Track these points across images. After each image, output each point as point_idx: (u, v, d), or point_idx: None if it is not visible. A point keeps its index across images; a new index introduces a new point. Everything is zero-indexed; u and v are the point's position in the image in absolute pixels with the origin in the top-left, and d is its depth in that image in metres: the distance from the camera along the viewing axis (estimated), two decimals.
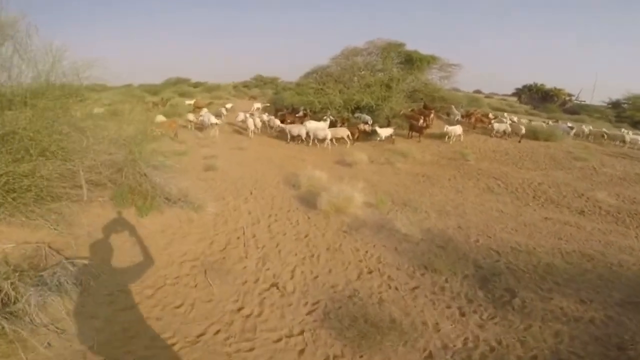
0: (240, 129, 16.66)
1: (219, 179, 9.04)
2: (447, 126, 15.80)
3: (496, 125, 16.85)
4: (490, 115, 19.02)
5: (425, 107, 18.20)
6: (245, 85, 40.24)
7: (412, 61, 18.09)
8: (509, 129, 16.65)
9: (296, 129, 14.43)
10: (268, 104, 22.55)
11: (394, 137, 15.34)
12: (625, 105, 32.41)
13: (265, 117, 16.95)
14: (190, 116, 16.70)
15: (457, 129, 15.83)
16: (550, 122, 21.08)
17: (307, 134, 14.35)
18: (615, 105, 33.64)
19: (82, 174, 5.52)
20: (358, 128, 14.96)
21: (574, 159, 13.54)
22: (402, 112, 17.02)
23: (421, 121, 16.05)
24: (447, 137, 15.66)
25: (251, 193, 8.27)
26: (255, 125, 15.65)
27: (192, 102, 22.74)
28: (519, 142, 15.97)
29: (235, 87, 39.03)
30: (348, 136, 14.31)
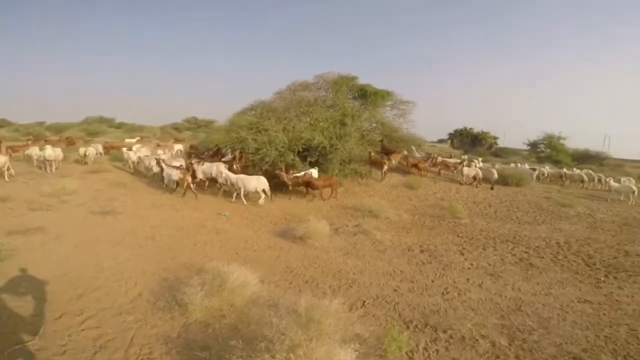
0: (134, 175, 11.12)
1: None
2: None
3: (466, 170, 13.55)
4: (451, 160, 15.76)
5: (383, 149, 14.48)
6: (176, 127, 34.05)
7: (365, 96, 14.62)
8: (480, 175, 13.43)
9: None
10: (192, 147, 17.22)
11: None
12: (542, 145, 31.70)
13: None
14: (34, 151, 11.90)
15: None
16: (513, 165, 18.54)
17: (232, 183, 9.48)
18: (533, 145, 32.78)
19: None
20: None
21: (560, 206, 10.89)
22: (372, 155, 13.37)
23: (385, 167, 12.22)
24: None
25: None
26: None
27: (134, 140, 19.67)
28: (492, 189, 12.88)
29: (162, 128, 32.74)
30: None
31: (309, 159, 11.82)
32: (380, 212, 8.89)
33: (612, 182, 13.03)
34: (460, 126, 38.49)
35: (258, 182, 9.51)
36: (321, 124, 12.22)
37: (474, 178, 13.42)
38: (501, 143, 37.80)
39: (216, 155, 12.07)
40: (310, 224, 6.67)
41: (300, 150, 11.58)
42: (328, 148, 11.62)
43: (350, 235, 7.18)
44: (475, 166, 14.57)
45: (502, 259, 6.30)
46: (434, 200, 11.20)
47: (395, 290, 4.78)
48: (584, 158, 28.18)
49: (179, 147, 17.75)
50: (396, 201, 10.77)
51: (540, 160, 26.85)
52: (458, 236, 7.71)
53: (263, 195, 9.61)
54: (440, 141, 44.30)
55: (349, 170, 12.42)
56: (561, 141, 29.91)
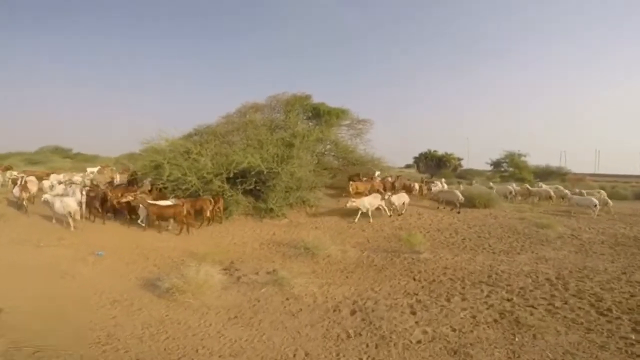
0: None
1: None
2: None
3: (394, 198, 10.53)
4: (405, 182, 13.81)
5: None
6: (133, 158, 31.22)
7: (319, 115, 13.05)
8: (407, 200, 11.01)
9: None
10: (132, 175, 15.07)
11: None
12: (505, 164, 30.34)
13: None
14: None
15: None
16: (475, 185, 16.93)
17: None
18: (496, 165, 31.30)
19: None
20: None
21: (536, 227, 9.18)
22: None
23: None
24: None
25: None
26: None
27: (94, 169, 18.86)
28: (458, 212, 11.13)
29: (117, 159, 30.14)
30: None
31: (242, 187, 9.58)
32: (319, 250, 6.72)
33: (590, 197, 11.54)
34: (424, 149, 37.26)
35: (62, 205, 7.49)
36: (269, 147, 10.24)
37: (404, 204, 10.93)
38: (465, 164, 36.74)
39: (131, 184, 9.72)
40: (190, 270, 4.41)
41: (231, 176, 9.38)
42: (266, 173, 9.51)
43: (256, 287, 4.89)
44: (435, 187, 12.80)
45: (474, 317, 4.17)
46: (390, 230, 9.11)
47: None
48: (545, 174, 27.23)
49: (117, 176, 16.91)
50: (345, 233, 8.65)
51: (505, 179, 25.65)
52: (414, 279, 5.59)
53: (72, 222, 7.55)
54: (408, 166, 42.66)
55: (295, 199, 10.29)
56: (522, 158, 29.14)
